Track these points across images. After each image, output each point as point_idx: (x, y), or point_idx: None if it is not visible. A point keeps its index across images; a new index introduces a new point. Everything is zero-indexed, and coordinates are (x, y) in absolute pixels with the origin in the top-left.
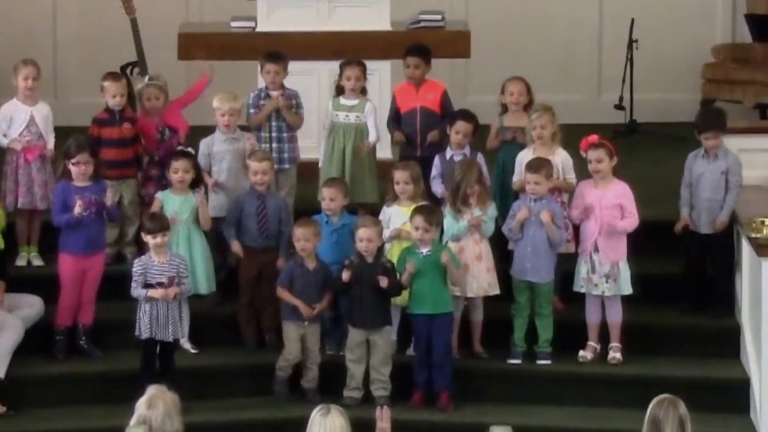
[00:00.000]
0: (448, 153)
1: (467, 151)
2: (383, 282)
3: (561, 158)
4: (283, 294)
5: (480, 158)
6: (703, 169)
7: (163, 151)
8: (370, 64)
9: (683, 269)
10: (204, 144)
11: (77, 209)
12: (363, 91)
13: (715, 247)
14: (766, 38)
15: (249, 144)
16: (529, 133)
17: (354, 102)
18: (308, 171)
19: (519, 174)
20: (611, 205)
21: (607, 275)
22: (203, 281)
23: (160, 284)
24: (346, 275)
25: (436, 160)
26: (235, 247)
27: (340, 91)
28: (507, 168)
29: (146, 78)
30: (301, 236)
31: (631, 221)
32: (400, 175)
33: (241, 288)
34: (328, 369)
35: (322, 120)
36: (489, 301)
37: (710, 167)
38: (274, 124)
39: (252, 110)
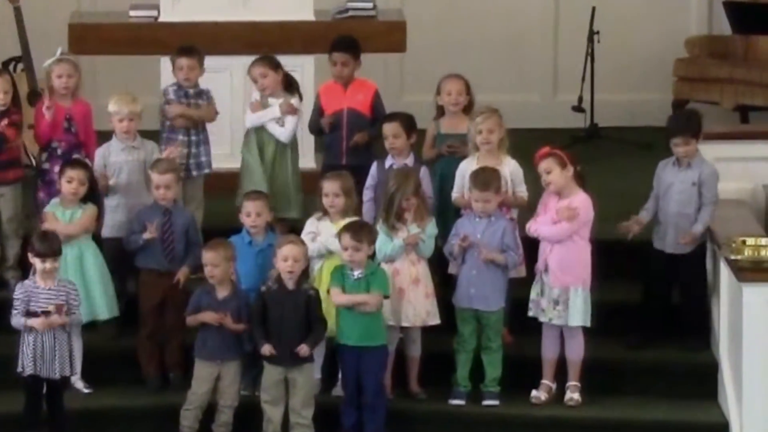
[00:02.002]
0: (388, 161)
1: (410, 160)
2: (304, 351)
3: (510, 169)
4: (193, 319)
5: (424, 171)
6: (672, 178)
7: (65, 145)
8: (292, 59)
9: (642, 294)
10: (99, 154)
11: None
12: (290, 89)
13: (684, 272)
14: (747, 29)
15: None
16: (472, 140)
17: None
18: (220, 183)
19: (460, 188)
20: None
21: (555, 301)
22: (102, 305)
23: (46, 313)
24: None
25: (373, 168)
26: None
27: None
28: (447, 180)
29: (58, 52)
30: (209, 261)
31: (556, 230)
32: (329, 187)
33: (142, 318)
34: (242, 411)
35: (233, 125)
36: (428, 332)
37: (680, 176)
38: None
39: (166, 106)
